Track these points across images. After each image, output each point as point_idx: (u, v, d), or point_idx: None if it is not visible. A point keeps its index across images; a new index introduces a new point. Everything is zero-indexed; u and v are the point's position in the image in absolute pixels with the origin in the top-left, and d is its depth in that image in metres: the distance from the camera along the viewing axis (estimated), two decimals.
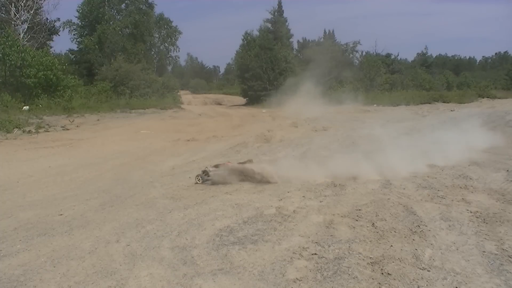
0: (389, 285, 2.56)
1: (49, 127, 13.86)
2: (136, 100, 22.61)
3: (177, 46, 37.13)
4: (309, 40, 46.94)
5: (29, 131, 12.73)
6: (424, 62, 44.44)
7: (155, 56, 35.53)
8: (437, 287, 2.53)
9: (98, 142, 11.06)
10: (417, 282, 2.58)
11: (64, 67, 20.71)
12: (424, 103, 27.35)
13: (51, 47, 26.20)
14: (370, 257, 2.94)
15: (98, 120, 16.78)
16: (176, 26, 36.36)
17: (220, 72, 65.07)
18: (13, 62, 17.64)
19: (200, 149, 9.20)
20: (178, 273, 2.78)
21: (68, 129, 13.89)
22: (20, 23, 22.81)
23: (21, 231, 3.79)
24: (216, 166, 5.49)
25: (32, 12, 23.07)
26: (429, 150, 6.57)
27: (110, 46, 27.86)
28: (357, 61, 39.41)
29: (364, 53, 39.84)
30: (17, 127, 12.84)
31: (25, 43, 21.49)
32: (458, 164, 6.06)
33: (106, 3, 29.19)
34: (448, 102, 28.28)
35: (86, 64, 27.72)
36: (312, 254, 3.02)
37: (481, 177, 5.35)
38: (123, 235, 3.54)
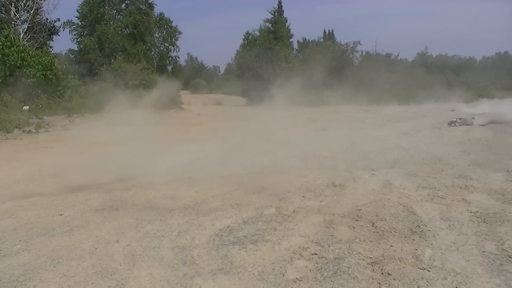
0: (389, 285, 2.56)
1: (49, 127, 13.86)
2: None
3: (177, 46, 36.95)
4: (309, 40, 47.00)
5: (29, 131, 12.73)
6: (424, 62, 44.41)
7: (155, 56, 35.46)
8: (437, 287, 2.53)
9: None
10: (417, 282, 2.58)
11: (64, 67, 20.71)
12: (425, 103, 27.37)
13: (51, 47, 26.17)
14: (370, 257, 2.94)
15: (98, 120, 16.77)
16: (176, 26, 36.22)
17: (220, 72, 64.88)
18: (13, 62, 17.60)
19: (200, 149, 9.19)
20: (178, 273, 2.78)
21: (68, 129, 13.89)
22: (20, 23, 22.77)
23: (21, 231, 3.78)
24: None
25: (32, 12, 23.03)
26: None
27: (110, 46, 27.90)
28: (357, 61, 39.39)
29: (364, 53, 39.86)
30: (17, 127, 12.82)
31: (25, 43, 21.45)
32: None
33: (106, 3, 29.21)
34: (448, 102, 28.29)
35: (86, 64, 27.74)
36: (312, 254, 3.03)
37: (481, 177, 5.35)
38: (123, 235, 3.54)
